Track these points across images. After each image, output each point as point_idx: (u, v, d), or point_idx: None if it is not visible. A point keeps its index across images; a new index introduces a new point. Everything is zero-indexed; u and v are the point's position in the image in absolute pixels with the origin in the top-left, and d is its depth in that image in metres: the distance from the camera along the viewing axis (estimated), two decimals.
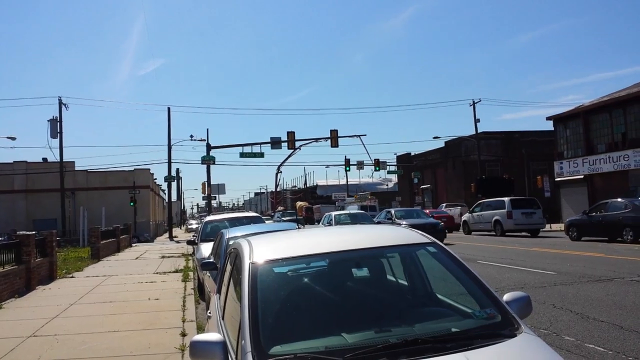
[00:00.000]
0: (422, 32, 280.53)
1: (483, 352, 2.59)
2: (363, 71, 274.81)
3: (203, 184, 49.41)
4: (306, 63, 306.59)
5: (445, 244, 4.26)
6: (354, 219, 25.55)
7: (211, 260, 9.27)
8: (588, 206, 29.25)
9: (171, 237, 44.84)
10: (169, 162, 44.32)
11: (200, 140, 44.75)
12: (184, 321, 8.55)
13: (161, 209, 75.63)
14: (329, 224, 26.28)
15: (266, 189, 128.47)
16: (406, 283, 3.78)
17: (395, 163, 63.33)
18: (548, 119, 39.19)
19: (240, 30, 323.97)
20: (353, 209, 52.15)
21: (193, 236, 19.85)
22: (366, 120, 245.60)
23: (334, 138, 43.31)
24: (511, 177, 40.43)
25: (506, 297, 3.20)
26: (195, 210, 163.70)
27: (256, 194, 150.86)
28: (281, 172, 55.82)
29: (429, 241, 3.69)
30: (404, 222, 23.78)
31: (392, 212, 27.33)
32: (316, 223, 50.14)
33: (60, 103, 39.91)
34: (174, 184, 49.49)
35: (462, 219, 33.81)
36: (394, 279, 3.82)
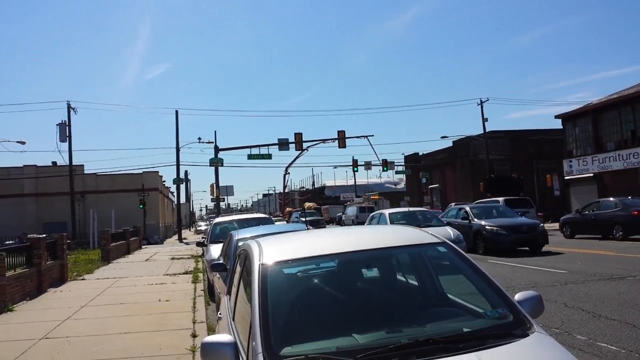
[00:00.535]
0: (425, 33, 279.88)
1: (495, 352, 2.58)
2: (367, 72, 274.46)
3: (211, 185, 49.53)
4: (310, 64, 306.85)
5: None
6: (411, 219, 17.83)
7: (221, 261, 9.30)
8: None
9: (180, 239, 44.96)
10: (177, 165, 44.49)
11: (208, 142, 44.89)
12: (194, 322, 8.58)
13: (170, 211, 75.96)
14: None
15: (274, 190, 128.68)
16: (416, 283, 3.76)
17: (403, 163, 63.21)
18: (557, 117, 38.99)
19: (243, 32, 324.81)
20: (352, 211, 51.99)
21: (202, 238, 19.92)
22: (373, 120, 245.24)
23: (341, 139, 43.28)
24: (520, 176, 40.20)
25: (517, 296, 3.18)
26: (204, 212, 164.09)
27: (264, 195, 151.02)
28: (289, 173, 55.81)
29: (439, 241, 3.68)
30: (488, 223, 18.26)
31: (467, 209, 20.15)
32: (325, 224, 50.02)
33: (69, 107, 40.15)
34: (182, 186, 49.71)
35: None
36: (404, 279, 3.81)
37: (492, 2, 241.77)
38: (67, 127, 39.87)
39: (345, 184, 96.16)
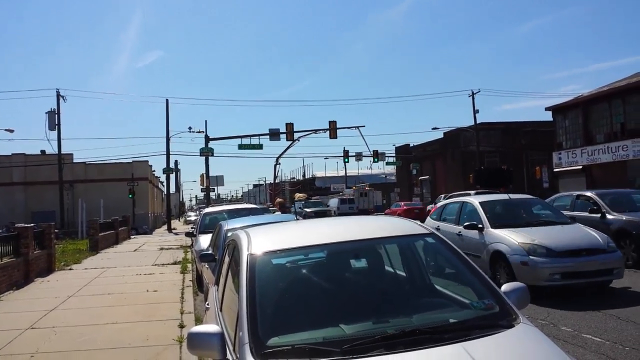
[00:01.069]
0: (421, 24, 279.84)
1: (481, 343, 2.59)
2: (361, 63, 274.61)
3: (201, 175, 49.33)
4: (304, 54, 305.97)
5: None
6: (518, 212, 10.99)
7: (210, 252, 9.26)
8: None
9: (170, 229, 44.83)
10: (167, 154, 44.26)
11: (199, 132, 44.63)
12: (182, 313, 8.56)
13: (159, 201, 75.64)
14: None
15: (265, 181, 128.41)
16: (404, 274, 3.77)
17: (394, 154, 63.29)
18: (547, 109, 39.13)
19: (238, 22, 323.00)
20: (333, 203, 51.95)
21: (192, 228, 19.85)
22: (365, 111, 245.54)
23: (332, 129, 43.21)
24: (510, 167, 40.38)
25: (504, 287, 3.19)
26: (193, 202, 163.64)
27: (255, 185, 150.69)
28: (280, 163, 55.76)
29: (428, 232, 3.69)
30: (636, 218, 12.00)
31: (596, 198, 13.27)
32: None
33: (58, 95, 39.75)
34: (172, 176, 49.39)
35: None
36: (392, 270, 3.82)
37: None
38: (56, 116, 39.50)
39: (336, 175, 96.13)
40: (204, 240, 11.86)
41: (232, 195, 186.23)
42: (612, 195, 13.72)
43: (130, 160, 50.94)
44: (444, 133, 54.32)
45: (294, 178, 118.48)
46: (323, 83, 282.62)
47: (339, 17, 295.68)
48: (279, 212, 13.21)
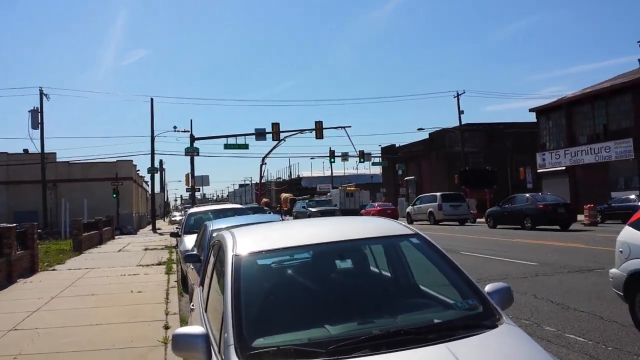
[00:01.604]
0: (406, 24, 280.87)
1: (465, 343, 2.61)
2: (347, 63, 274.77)
3: (187, 175, 49.11)
4: (291, 54, 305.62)
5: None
6: None
7: (194, 252, 9.23)
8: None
9: (154, 229, 44.53)
10: (152, 154, 43.97)
11: (184, 131, 44.39)
12: (167, 314, 8.51)
13: (144, 200, 75.06)
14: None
15: (251, 181, 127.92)
16: (389, 274, 3.78)
17: (379, 155, 63.44)
18: (531, 110, 39.54)
19: (223, 21, 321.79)
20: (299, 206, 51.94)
21: (177, 228, 19.73)
22: (351, 111, 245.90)
23: (318, 129, 43.19)
24: (494, 168, 40.71)
25: (487, 288, 3.22)
26: (178, 202, 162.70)
27: (240, 185, 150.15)
28: (266, 163, 55.56)
29: (412, 232, 3.71)
30: None
31: None
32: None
33: (41, 93, 39.31)
34: (157, 176, 49.17)
35: (406, 210, 37.73)
36: (377, 271, 3.83)
37: None
38: (39, 114, 39.07)
39: (322, 175, 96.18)
40: (189, 241, 11.81)
41: (218, 195, 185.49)
42: None
43: (114, 160, 50.49)
44: (429, 134, 54.62)
45: (280, 178, 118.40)
46: (308, 83, 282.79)
47: (324, 17, 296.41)
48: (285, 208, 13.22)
